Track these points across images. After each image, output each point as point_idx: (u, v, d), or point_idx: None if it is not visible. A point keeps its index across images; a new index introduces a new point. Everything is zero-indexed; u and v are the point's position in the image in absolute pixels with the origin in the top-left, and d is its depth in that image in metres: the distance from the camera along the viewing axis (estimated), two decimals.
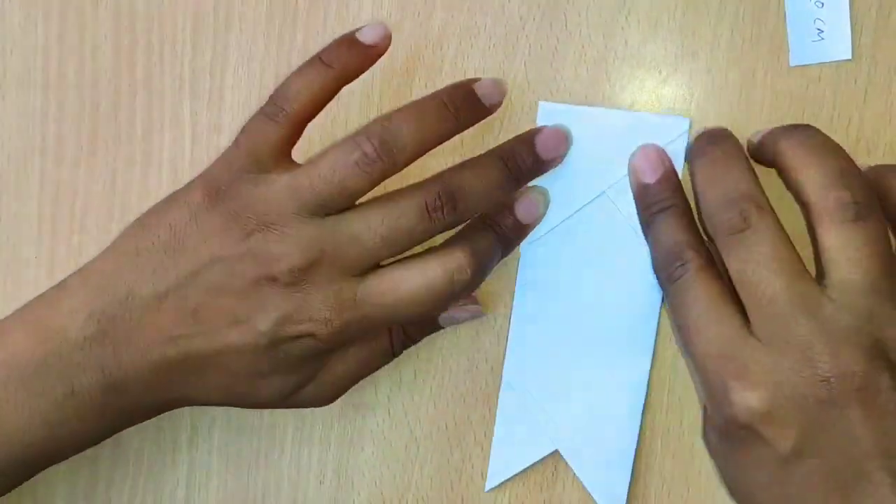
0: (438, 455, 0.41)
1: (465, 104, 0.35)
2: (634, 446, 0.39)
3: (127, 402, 0.34)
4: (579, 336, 0.39)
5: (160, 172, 0.43)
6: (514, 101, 0.40)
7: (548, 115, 0.39)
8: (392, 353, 0.38)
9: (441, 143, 0.35)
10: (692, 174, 0.36)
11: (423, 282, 0.34)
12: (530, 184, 0.38)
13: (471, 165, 0.36)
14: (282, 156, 0.35)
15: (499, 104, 0.36)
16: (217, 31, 0.43)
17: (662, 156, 0.37)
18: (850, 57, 0.37)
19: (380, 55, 0.36)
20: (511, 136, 0.39)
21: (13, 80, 0.44)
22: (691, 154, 0.36)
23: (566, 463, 0.39)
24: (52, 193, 0.44)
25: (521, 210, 0.38)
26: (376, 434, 0.41)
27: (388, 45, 0.36)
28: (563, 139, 0.38)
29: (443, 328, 0.39)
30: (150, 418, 0.36)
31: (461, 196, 0.34)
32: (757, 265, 0.32)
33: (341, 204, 0.34)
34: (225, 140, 0.42)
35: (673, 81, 0.39)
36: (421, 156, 0.35)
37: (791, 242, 0.33)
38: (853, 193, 0.32)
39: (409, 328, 0.38)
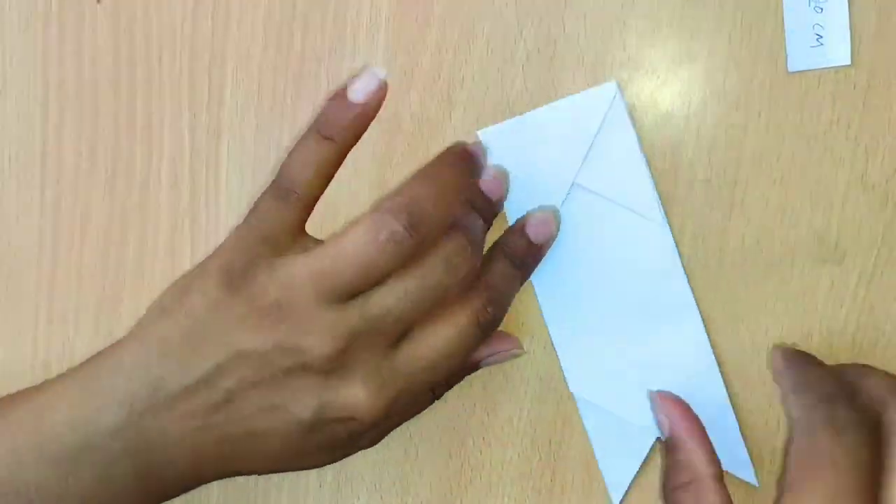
0: (437, 460, 0.41)
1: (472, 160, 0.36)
2: (727, 402, 0.38)
3: (162, 483, 0.34)
4: (620, 325, 0.39)
5: (160, 174, 0.43)
6: (511, 105, 0.40)
7: (491, 140, 0.39)
8: (434, 400, 0.37)
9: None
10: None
11: (454, 334, 0.34)
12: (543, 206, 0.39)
13: (461, 215, 0.35)
14: (297, 235, 0.34)
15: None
16: (215, 33, 0.42)
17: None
18: (849, 62, 0.37)
19: (376, 111, 0.34)
20: None
21: (13, 85, 0.44)
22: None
23: (563, 464, 0.40)
24: (53, 197, 0.44)
25: (532, 230, 0.37)
26: None
27: (384, 95, 0.34)
28: (502, 180, 0.38)
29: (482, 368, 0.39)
30: (187, 491, 0.35)
31: (473, 239, 0.34)
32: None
33: (369, 285, 0.32)
34: (224, 148, 0.42)
35: (671, 87, 0.39)
36: (447, 221, 0.34)
37: None
38: None
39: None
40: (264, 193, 0.34)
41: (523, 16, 0.39)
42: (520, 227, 0.38)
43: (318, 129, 0.34)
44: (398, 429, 0.41)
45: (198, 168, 0.43)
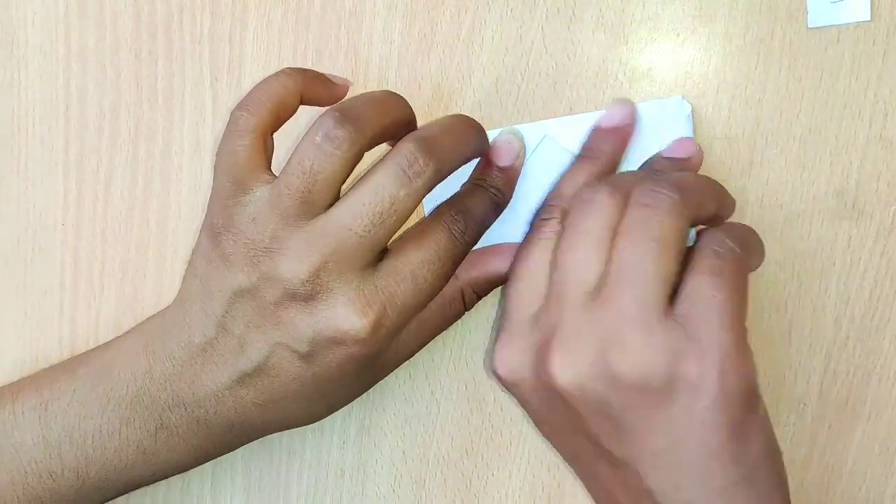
0: (458, 415, 0.42)
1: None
2: None
3: (213, 434, 0.36)
4: None
5: (182, 139, 0.44)
6: (530, 66, 0.40)
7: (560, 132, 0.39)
8: (464, 311, 0.39)
9: (401, 124, 0.35)
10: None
11: (426, 244, 0.34)
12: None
13: (435, 122, 0.36)
14: (260, 171, 0.34)
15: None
16: None
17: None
18: (868, 18, 0.37)
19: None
20: (529, 100, 0.39)
21: (36, 50, 0.44)
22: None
23: None
24: (77, 160, 0.45)
25: (496, 155, 0.38)
26: (397, 395, 0.42)
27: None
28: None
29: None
30: (238, 447, 0.38)
31: (433, 144, 0.34)
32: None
33: (323, 195, 0.33)
34: None
35: (690, 44, 0.39)
36: (387, 131, 0.34)
37: None
38: None
39: (478, 285, 0.38)
40: (221, 137, 0.35)
41: None
42: (486, 156, 0.38)
43: (286, 69, 0.36)
44: (419, 384, 0.42)
45: (219, 131, 0.43)
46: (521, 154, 0.38)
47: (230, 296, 0.34)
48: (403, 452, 0.42)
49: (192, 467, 0.38)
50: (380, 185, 0.33)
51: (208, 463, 0.38)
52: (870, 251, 0.38)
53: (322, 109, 0.34)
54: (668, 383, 0.31)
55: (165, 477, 0.38)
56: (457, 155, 0.35)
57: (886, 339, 0.39)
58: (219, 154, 0.35)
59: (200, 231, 0.36)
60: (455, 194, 0.37)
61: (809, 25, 0.38)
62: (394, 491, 0.43)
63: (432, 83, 0.41)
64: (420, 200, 0.34)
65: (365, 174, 0.34)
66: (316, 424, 0.42)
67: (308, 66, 0.42)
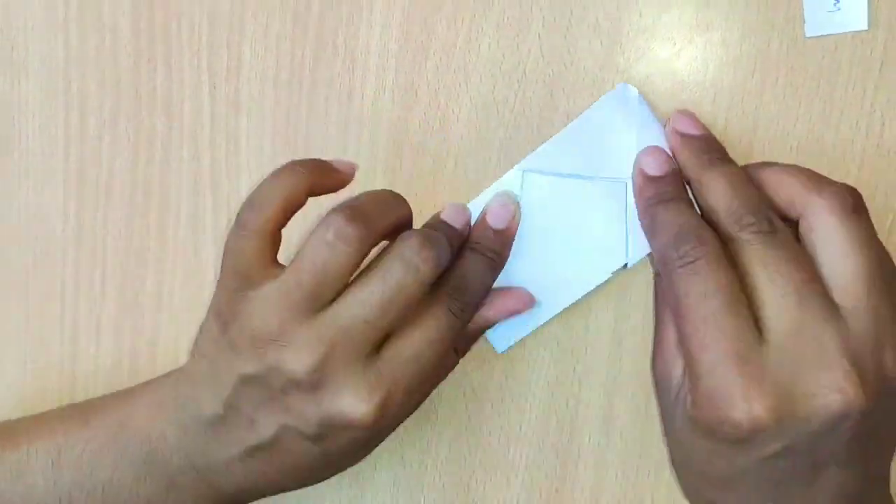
0: (457, 422, 0.42)
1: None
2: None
3: (223, 497, 0.37)
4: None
5: (181, 147, 0.44)
6: (528, 74, 0.40)
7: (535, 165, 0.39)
8: (458, 361, 0.40)
9: (402, 223, 0.36)
10: (701, 184, 0.35)
11: (429, 325, 0.35)
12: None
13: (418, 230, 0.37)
14: (267, 266, 0.35)
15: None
16: (233, 5, 0.43)
17: (669, 156, 0.37)
18: (866, 27, 0.37)
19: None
20: (526, 108, 0.39)
21: (35, 58, 0.45)
22: (695, 165, 0.36)
23: (580, 425, 0.41)
24: (77, 166, 0.45)
25: (492, 218, 0.38)
26: None
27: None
28: (461, 209, 0.38)
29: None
30: None
31: (436, 237, 0.35)
32: (788, 267, 0.32)
33: (332, 290, 0.34)
34: (244, 118, 0.43)
35: (687, 53, 0.39)
36: (390, 229, 0.35)
37: None
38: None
39: (469, 336, 0.39)
40: (229, 233, 0.36)
41: None
42: (481, 219, 0.38)
43: (292, 165, 0.36)
44: None
45: (218, 139, 0.44)
46: (516, 215, 0.39)
47: (237, 380, 0.35)
48: (402, 457, 0.43)
49: None
50: (387, 273, 0.34)
51: None
52: None
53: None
54: None
55: None
56: (456, 244, 0.37)
57: None
58: (226, 251, 0.36)
59: (208, 312, 0.37)
60: (452, 265, 0.37)
61: (807, 34, 0.38)
62: (392, 496, 0.43)
63: (429, 90, 0.41)
64: (426, 288, 0.34)
65: (370, 265, 0.35)
66: None
67: (305, 73, 0.42)
